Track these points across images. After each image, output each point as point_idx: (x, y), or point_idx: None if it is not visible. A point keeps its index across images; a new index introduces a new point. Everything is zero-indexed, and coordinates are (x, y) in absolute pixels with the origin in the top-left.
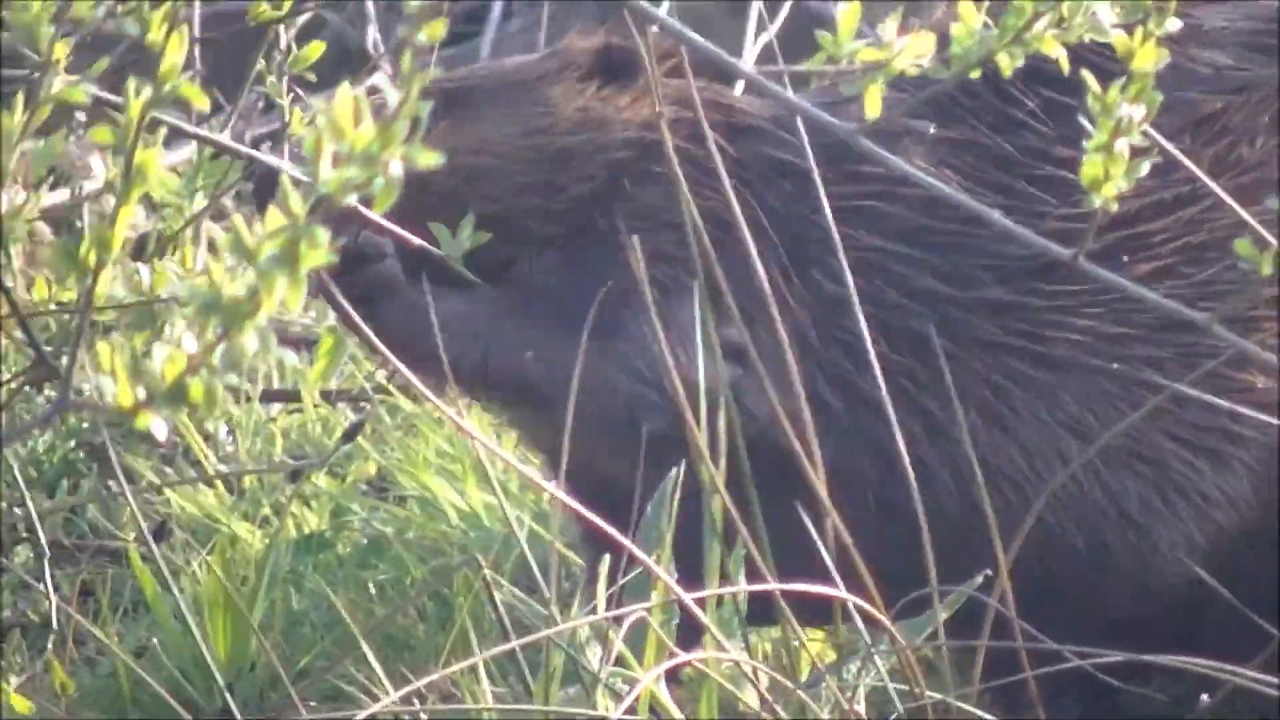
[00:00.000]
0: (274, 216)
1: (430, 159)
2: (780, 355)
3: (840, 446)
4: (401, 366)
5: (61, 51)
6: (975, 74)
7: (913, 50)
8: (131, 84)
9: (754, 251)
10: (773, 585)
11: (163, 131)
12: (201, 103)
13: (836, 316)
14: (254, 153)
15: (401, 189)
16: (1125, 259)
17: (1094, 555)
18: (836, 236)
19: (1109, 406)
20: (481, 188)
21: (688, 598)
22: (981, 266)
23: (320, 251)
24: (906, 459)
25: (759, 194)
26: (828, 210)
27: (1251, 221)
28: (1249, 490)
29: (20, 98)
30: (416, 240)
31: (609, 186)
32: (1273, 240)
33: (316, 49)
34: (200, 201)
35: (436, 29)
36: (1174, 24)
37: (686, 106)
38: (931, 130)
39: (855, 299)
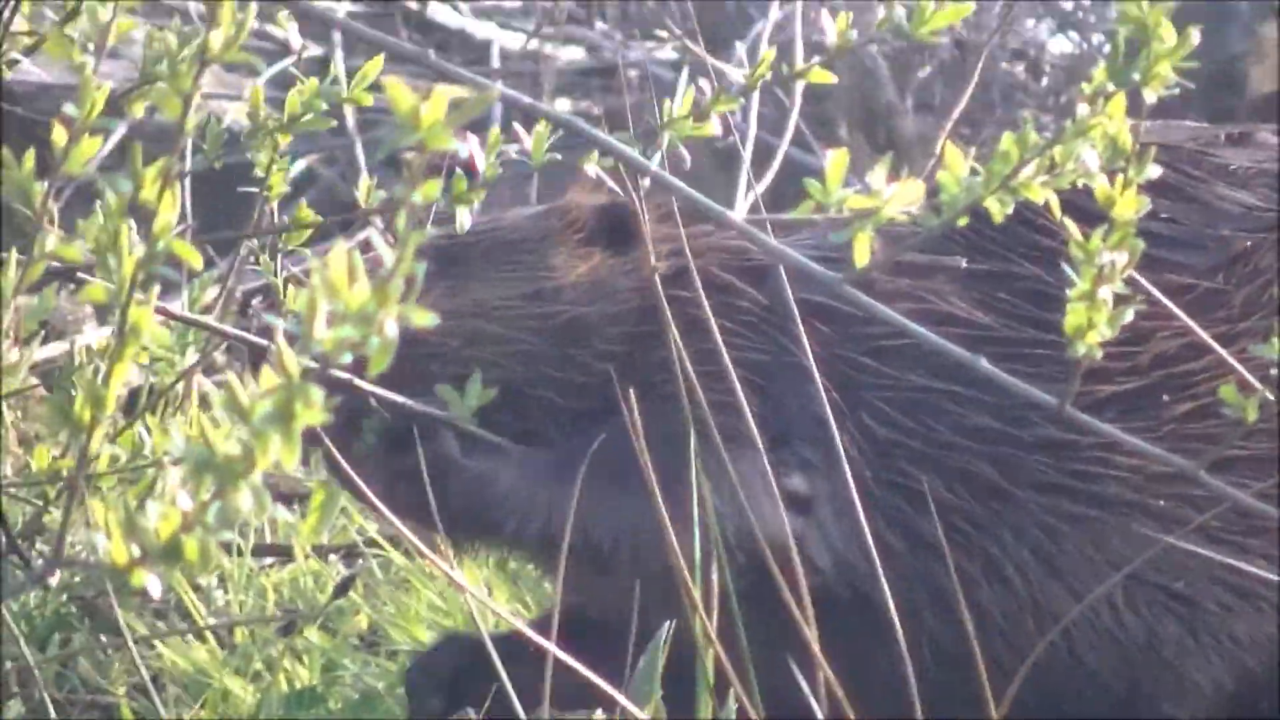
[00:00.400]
0: (268, 376)
1: (425, 319)
2: (843, 501)
3: (901, 590)
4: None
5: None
6: (1036, 197)
7: (901, 198)
8: (125, 241)
9: (809, 393)
10: None
11: (156, 289)
12: (195, 260)
13: (890, 459)
14: (242, 334)
15: (402, 352)
16: (1166, 398)
17: (1130, 697)
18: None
19: (1149, 545)
20: (485, 351)
21: None
22: (1029, 404)
23: (315, 410)
24: (962, 602)
25: (796, 338)
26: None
27: (1239, 368)
28: (1277, 635)
29: (13, 255)
30: (422, 407)
31: (631, 359)
32: (1259, 386)
33: (305, 213)
34: (192, 356)
35: (432, 189)
36: (1154, 171)
37: (692, 256)
38: (963, 264)
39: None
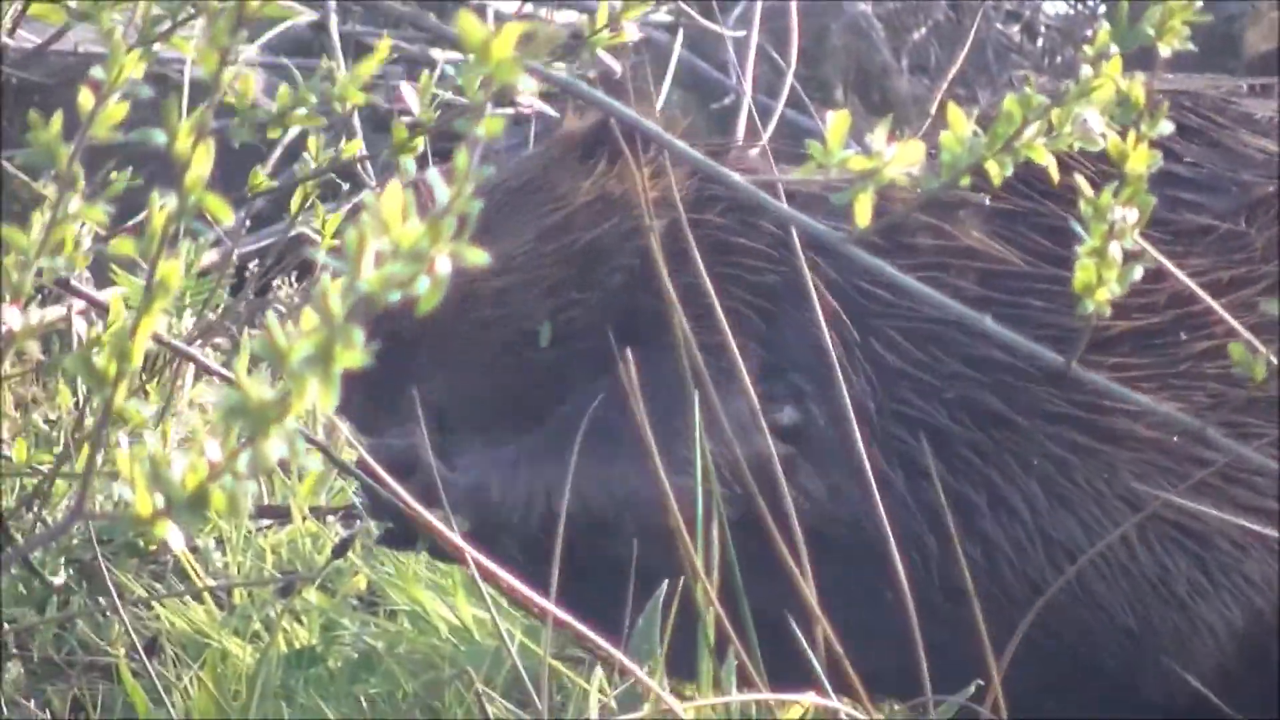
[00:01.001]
0: (309, 316)
1: (479, 257)
2: (840, 430)
3: (903, 519)
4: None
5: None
6: (1039, 158)
7: (902, 159)
8: (155, 196)
9: (819, 321)
10: (766, 695)
11: (186, 244)
12: (226, 216)
13: (896, 388)
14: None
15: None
16: (1183, 336)
17: (1138, 633)
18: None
19: (1163, 481)
20: (512, 301)
21: (680, 708)
22: (1040, 337)
23: (355, 352)
24: (954, 530)
25: (814, 264)
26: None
27: (1240, 330)
28: None
29: (38, 216)
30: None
31: (644, 270)
32: (1260, 346)
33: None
34: (188, 320)
35: (495, 124)
36: (1166, 127)
37: (709, 181)
38: (987, 202)
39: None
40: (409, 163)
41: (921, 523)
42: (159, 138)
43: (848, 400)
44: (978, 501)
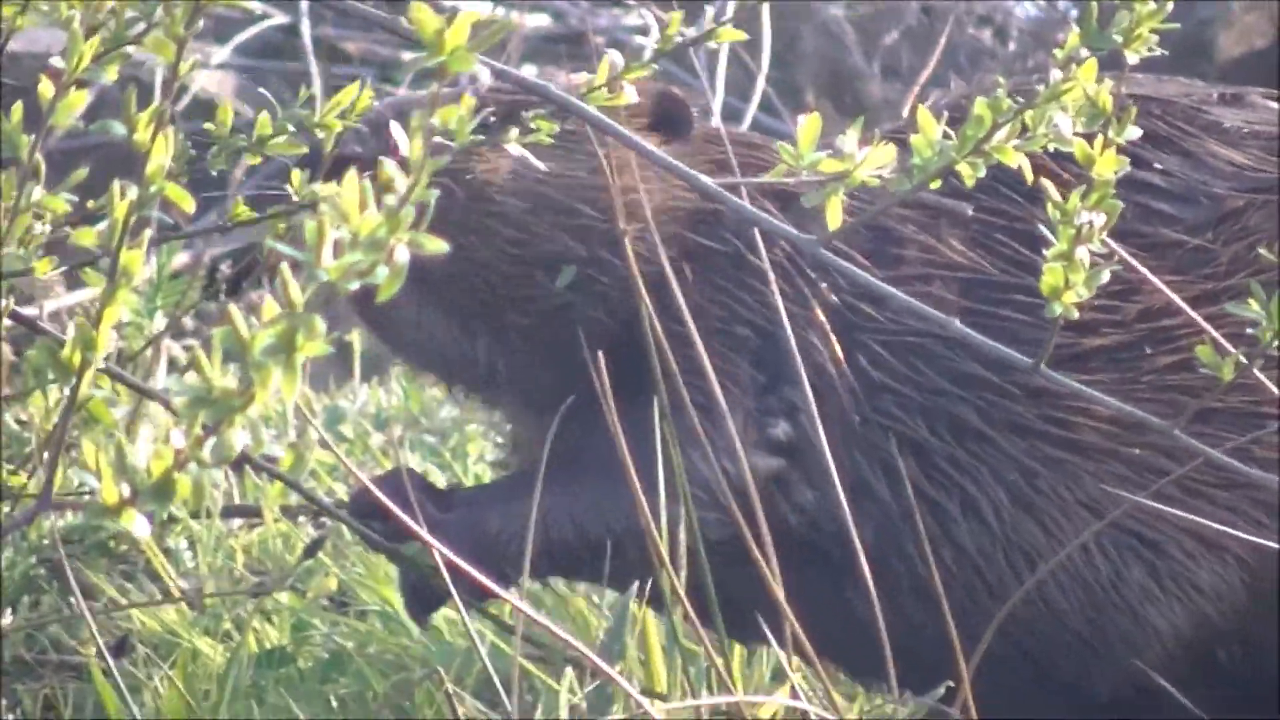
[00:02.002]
0: (271, 306)
1: (437, 246)
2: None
3: (883, 528)
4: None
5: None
6: (1009, 161)
7: (873, 161)
8: (116, 185)
9: (813, 338)
10: (737, 698)
11: (148, 234)
12: (187, 204)
13: (879, 401)
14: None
15: (466, 205)
16: (1148, 350)
17: (1090, 634)
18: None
19: (1123, 490)
20: (545, 219)
21: (651, 708)
22: (1017, 346)
23: (318, 342)
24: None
25: (812, 283)
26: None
27: (1209, 329)
28: (1240, 586)
29: None
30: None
31: (678, 267)
32: (1229, 347)
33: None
34: (160, 320)
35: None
36: (1134, 132)
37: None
38: (970, 211)
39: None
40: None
41: (902, 529)
42: (119, 129)
43: (835, 414)
44: (951, 509)
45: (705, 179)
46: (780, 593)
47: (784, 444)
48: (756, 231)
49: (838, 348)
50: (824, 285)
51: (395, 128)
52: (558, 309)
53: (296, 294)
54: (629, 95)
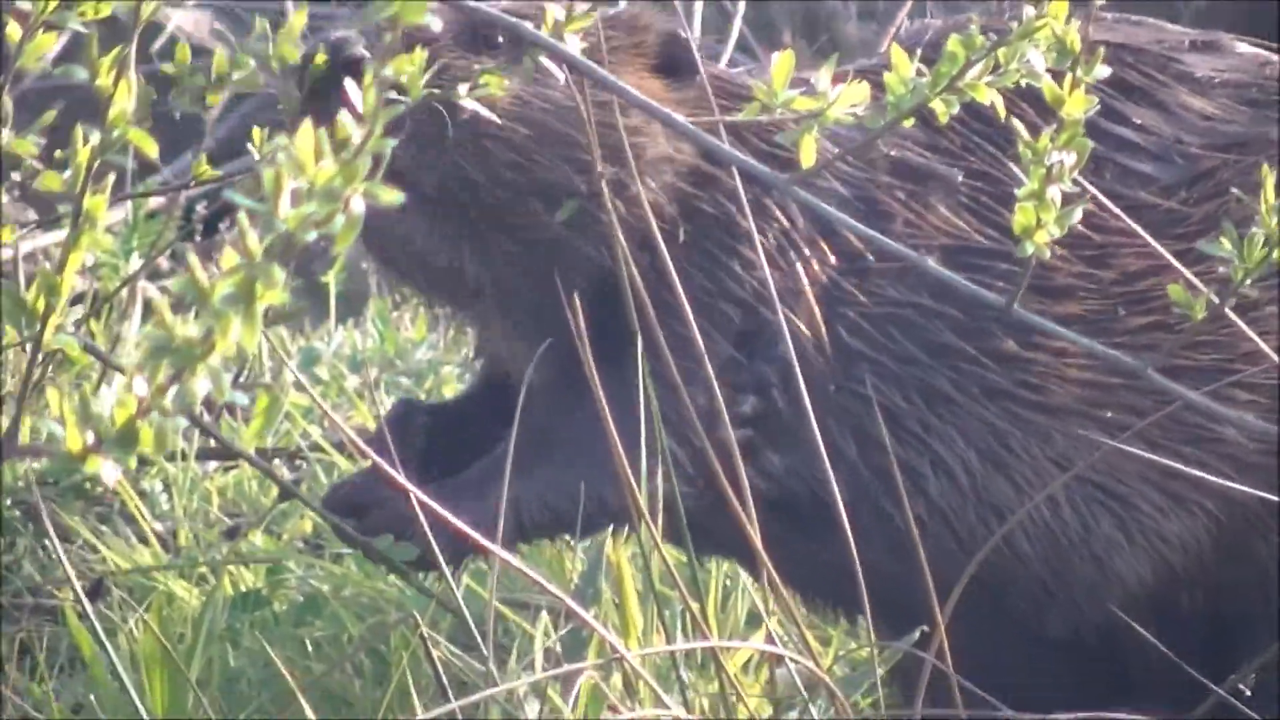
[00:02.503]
0: (230, 255)
1: (393, 197)
2: (799, 411)
3: (853, 486)
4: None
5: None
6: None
7: (847, 99)
8: (79, 131)
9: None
10: (712, 642)
11: (111, 178)
12: (151, 149)
13: (855, 369)
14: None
15: (469, 129)
16: (1122, 312)
17: (1053, 581)
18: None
19: (1093, 447)
20: (546, 149)
21: (626, 652)
22: (995, 319)
23: (276, 291)
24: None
25: (805, 260)
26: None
27: (1180, 268)
28: (1206, 537)
29: None
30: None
31: (673, 222)
32: (1203, 288)
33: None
34: (136, 261)
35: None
36: (1102, 71)
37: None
38: (959, 177)
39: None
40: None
41: (874, 487)
42: (81, 74)
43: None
44: (922, 469)
45: (683, 120)
46: (756, 538)
47: (749, 417)
48: (747, 204)
49: (819, 319)
50: (814, 262)
51: (350, 85)
52: (551, 241)
53: (254, 244)
54: (575, 46)
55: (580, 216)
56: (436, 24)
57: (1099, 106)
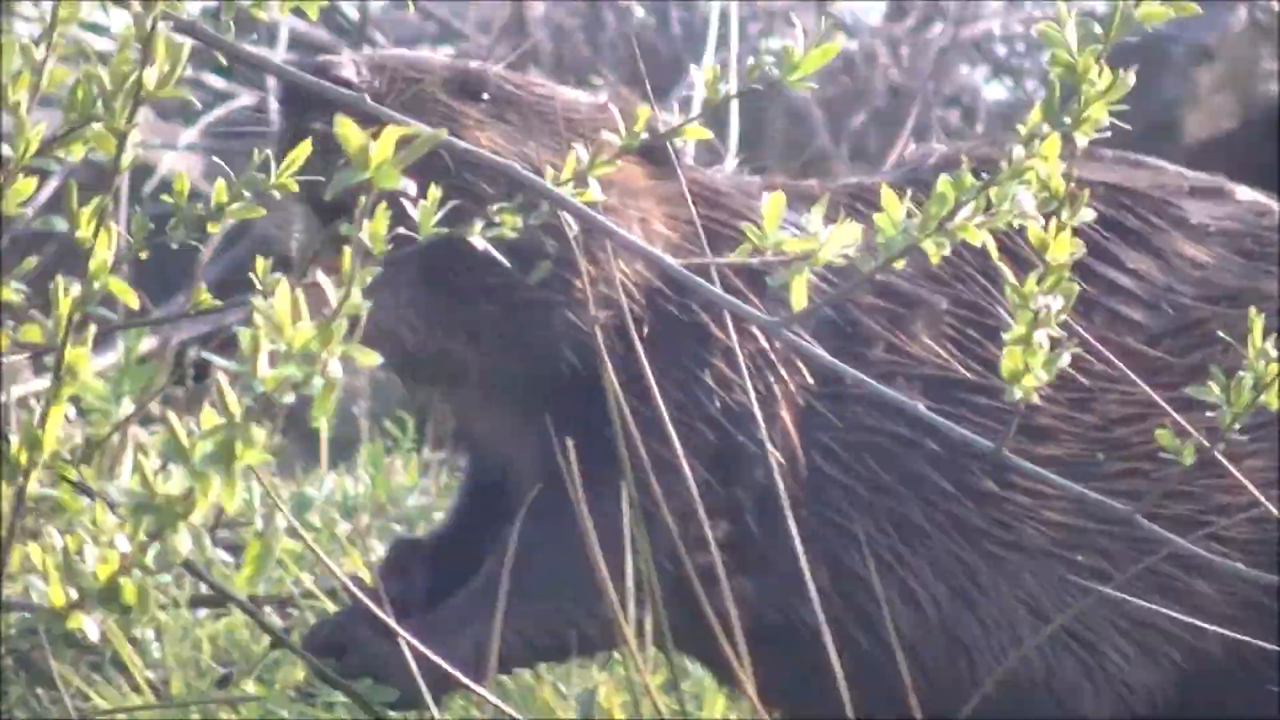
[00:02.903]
0: (209, 415)
1: (370, 360)
2: (777, 540)
3: (825, 614)
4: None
5: None
6: (973, 239)
7: (838, 240)
8: (60, 281)
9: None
10: None
11: (92, 330)
12: (131, 300)
13: (829, 494)
14: None
15: (457, 181)
16: (1101, 457)
17: (1013, 716)
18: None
19: (1063, 590)
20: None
21: None
22: (966, 453)
23: (257, 450)
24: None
25: (780, 380)
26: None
27: (1170, 410)
28: (1173, 690)
29: None
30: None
31: (640, 322)
32: (1190, 429)
33: (204, 297)
34: (127, 406)
35: (379, 226)
36: (1088, 214)
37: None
38: (945, 305)
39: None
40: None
41: (844, 615)
42: (60, 225)
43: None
44: (891, 598)
45: (669, 259)
46: (742, 671)
47: (722, 542)
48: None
49: (795, 443)
50: (790, 383)
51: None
52: (528, 302)
53: (234, 404)
54: (593, 192)
55: (554, 280)
56: (411, 187)
57: (1092, 247)
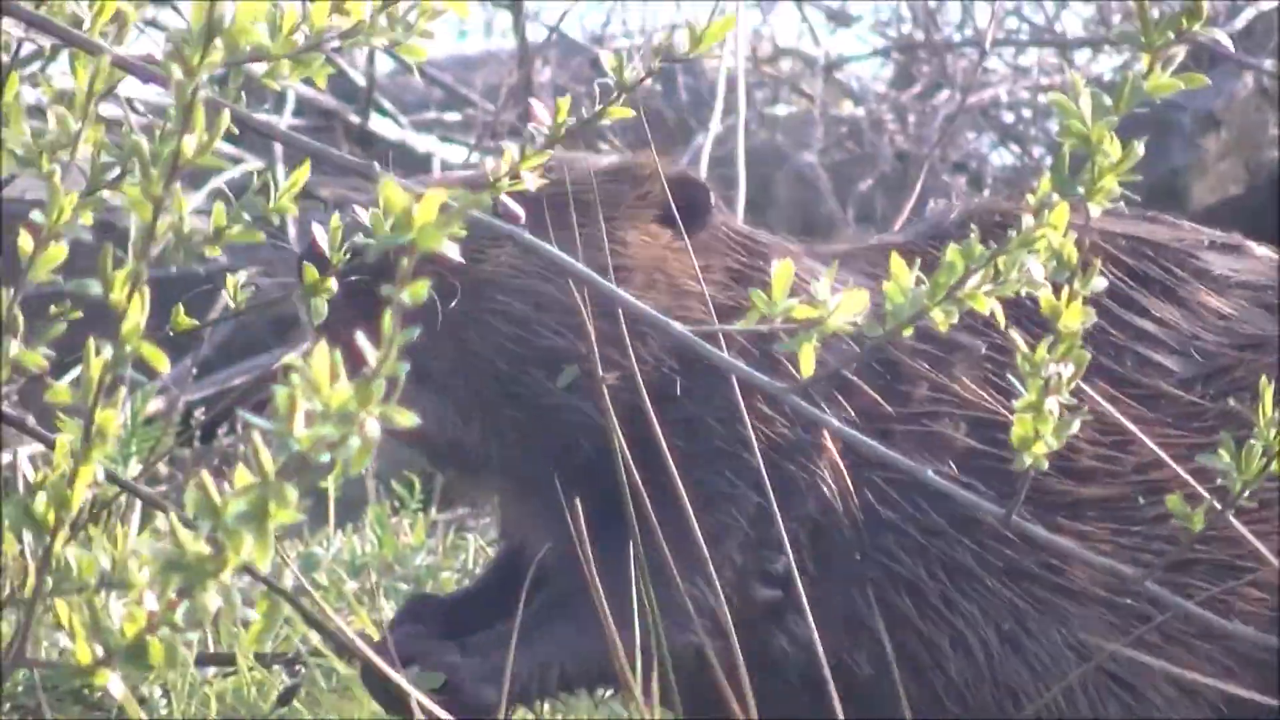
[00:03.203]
0: (242, 474)
1: (408, 420)
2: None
3: (876, 658)
4: None
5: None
6: (981, 308)
7: (847, 308)
8: (91, 343)
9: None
10: None
11: (122, 391)
12: (162, 364)
13: (881, 538)
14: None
15: (467, 305)
16: (1142, 501)
17: None
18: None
19: (1108, 634)
20: (549, 318)
21: None
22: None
23: (289, 510)
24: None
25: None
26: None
27: (1186, 476)
28: None
29: None
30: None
31: (671, 385)
32: (1205, 493)
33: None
34: (134, 467)
35: (420, 290)
36: (1099, 284)
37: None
38: (983, 350)
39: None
40: (319, 303)
41: (899, 661)
42: (95, 288)
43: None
44: (941, 644)
45: (680, 326)
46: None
47: (781, 577)
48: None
49: (846, 477)
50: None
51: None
52: (553, 407)
53: (268, 463)
54: (529, 183)
55: (581, 380)
56: (453, 251)
57: (1118, 295)
